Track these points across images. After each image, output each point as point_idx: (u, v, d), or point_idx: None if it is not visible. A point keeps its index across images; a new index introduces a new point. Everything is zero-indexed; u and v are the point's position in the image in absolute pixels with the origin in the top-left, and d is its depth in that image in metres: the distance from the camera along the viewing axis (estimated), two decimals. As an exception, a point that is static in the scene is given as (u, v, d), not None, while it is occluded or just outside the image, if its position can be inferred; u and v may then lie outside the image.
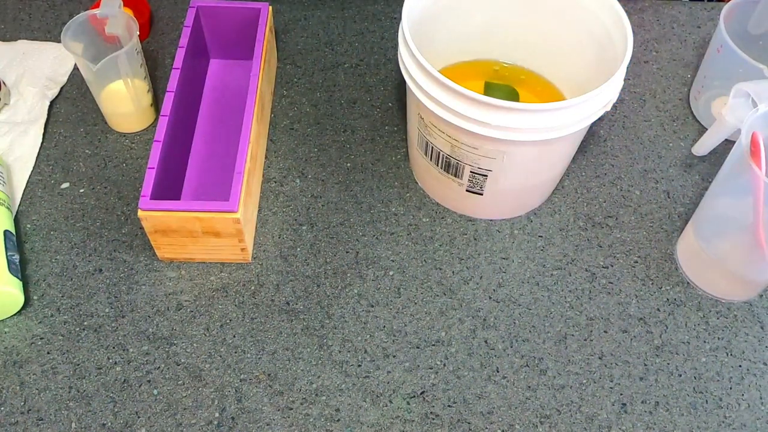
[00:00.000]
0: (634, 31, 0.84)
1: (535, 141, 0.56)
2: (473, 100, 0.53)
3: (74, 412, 0.56)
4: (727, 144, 0.62)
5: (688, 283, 0.64)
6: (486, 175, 0.61)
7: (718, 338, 0.61)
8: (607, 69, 0.60)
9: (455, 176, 0.62)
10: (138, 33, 0.67)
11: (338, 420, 0.56)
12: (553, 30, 0.68)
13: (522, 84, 0.72)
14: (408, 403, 0.57)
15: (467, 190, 0.63)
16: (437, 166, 0.63)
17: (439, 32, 0.67)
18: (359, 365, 0.59)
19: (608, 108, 0.57)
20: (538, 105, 0.53)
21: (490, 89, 0.71)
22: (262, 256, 0.65)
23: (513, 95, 0.71)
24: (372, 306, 0.62)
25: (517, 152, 0.58)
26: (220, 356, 0.59)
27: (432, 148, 0.62)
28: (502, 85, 0.71)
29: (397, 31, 0.84)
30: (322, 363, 0.59)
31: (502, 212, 0.67)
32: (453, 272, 0.64)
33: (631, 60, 0.81)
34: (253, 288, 0.63)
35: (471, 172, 0.61)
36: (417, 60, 0.56)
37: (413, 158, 0.68)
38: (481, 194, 0.63)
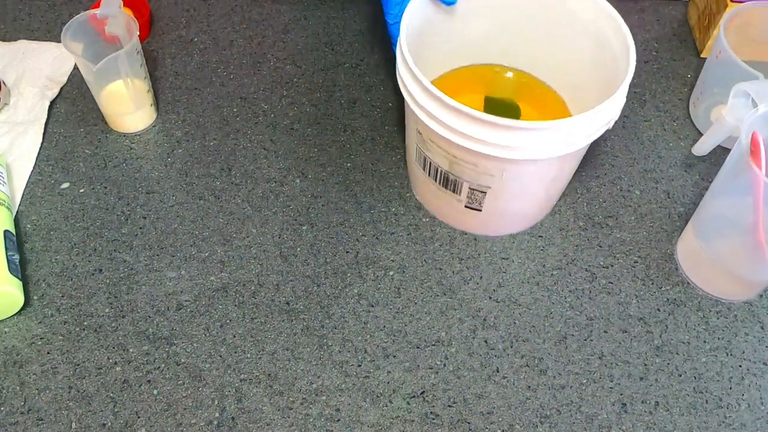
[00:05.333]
0: (634, 31, 0.84)
1: (535, 159, 0.55)
2: (473, 117, 0.52)
3: (74, 412, 0.56)
4: (727, 144, 0.63)
5: (688, 283, 0.64)
6: (485, 192, 0.60)
7: (718, 338, 0.61)
8: (608, 77, 0.59)
9: (454, 192, 0.61)
10: (138, 33, 0.67)
11: (338, 420, 0.56)
12: (555, 38, 0.67)
13: (523, 91, 0.71)
14: (408, 403, 0.57)
15: (466, 206, 0.62)
16: (435, 181, 0.62)
17: (439, 39, 0.67)
18: (359, 365, 0.59)
19: (610, 126, 0.57)
20: (537, 123, 0.52)
21: (490, 104, 0.70)
22: (261, 256, 0.65)
23: (514, 110, 0.70)
24: (372, 306, 0.62)
25: (517, 170, 0.57)
26: (220, 356, 0.59)
27: (430, 163, 0.61)
28: (503, 100, 0.71)
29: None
30: (322, 363, 0.59)
31: (501, 228, 0.66)
32: (453, 272, 0.64)
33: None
34: (253, 288, 0.63)
35: (470, 188, 0.60)
36: (415, 76, 0.55)
37: (411, 172, 0.67)
38: (480, 210, 0.62)
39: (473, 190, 0.60)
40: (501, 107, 0.70)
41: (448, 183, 0.61)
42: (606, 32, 0.61)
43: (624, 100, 0.57)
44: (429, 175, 0.62)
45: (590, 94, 0.63)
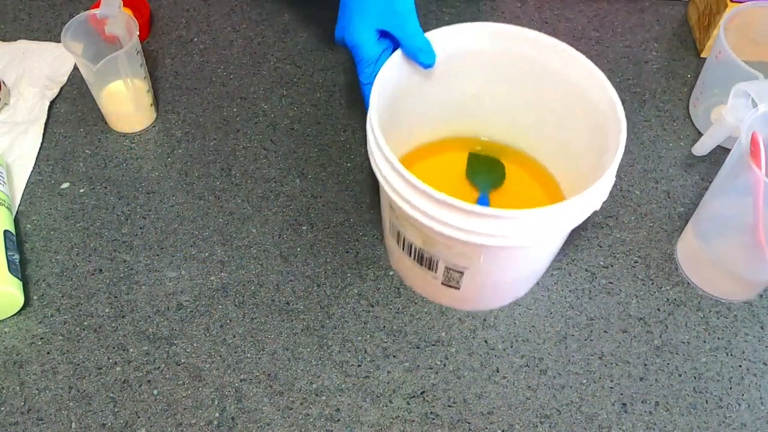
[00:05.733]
0: (634, 31, 0.84)
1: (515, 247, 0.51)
2: (447, 204, 0.48)
3: (74, 412, 0.56)
4: (727, 144, 0.63)
5: (688, 283, 0.64)
6: (462, 272, 0.55)
7: (718, 338, 0.61)
8: (598, 143, 0.56)
9: (429, 269, 0.57)
10: (138, 33, 0.67)
11: (338, 420, 0.56)
12: (539, 103, 0.63)
13: (507, 155, 0.67)
14: (408, 403, 0.57)
15: (443, 284, 0.58)
16: (410, 257, 0.58)
17: (416, 101, 0.63)
18: (359, 365, 0.59)
19: (597, 208, 0.52)
20: (519, 212, 0.47)
21: (474, 160, 0.67)
22: (261, 256, 0.65)
23: (498, 168, 0.67)
24: (372, 306, 0.62)
25: (497, 254, 0.53)
26: (220, 356, 0.59)
27: (404, 238, 0.56)
28: (488, 158, 0.67)
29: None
30: (322, 363, 0.59)
31: (482, 305, 0.62)
32: (453, 272, 0.64)
33: (631, 60, 0.81)
34: (253, 288, 0.63)
35: (446, 267, 0.55)
36: (387, 158, 0.50)
37: (387, 244, 0.63)
38: (458, 289, 0.58)
39: (449, 269, 0.55)
40: (485, 164, 0.67)
41: (423, 260, 0.56)
42: (603, 111, 0.56)
43: (613, 181, 0.52)
44: (403, 250, 0.58)
45: (577, 163, 0.60)
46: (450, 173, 0.66)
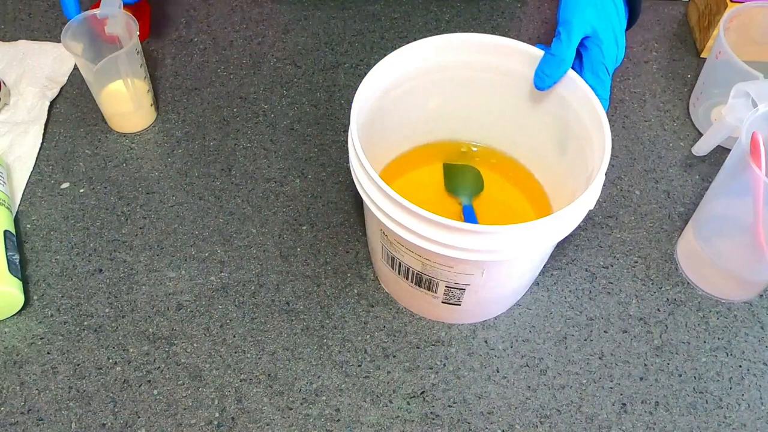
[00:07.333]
0: (634, 31, 0.84)
1: (517, 258, 0.51)
2: (448, 227, 0.47)
3: (74, 412, 0.56)
4: (727, 144, 0.62)
5: (688, 283, 0.64)
6: (464, 289, 0.55)
7: (718, 338, 0.61)
8: (582, 156, 0.56)
9: (429, 290, 0.56)
10: (138, 33, 0.67)
11: (338, 420, 0.56)
12: (525, 117, 0.62)
13: (492, 166, 0.67)
14: (408, 403, 0.57)
15: (443, 302, 0.58)
16: (407, 280, 0.57)
17: (395, 119, 0.62)
18: (359, 365, 0.59)
19: (592, 206, 0.52)
20: (512, 227, 0.47)
21: (450, 171, 0.66)
22: (261, 256, 0.65)
23: (475, 176, 0.66)
24: (372, 306, 0.62)
25: (498, 267, 0.53)
26: (220, 356, 0.59)
27: (400, 263, 0.55)
28: (463, 166, 0.66)
29: (397, 32, 0.84)
30: (322, 363, 0.59)
31: (481, 316, 0.62)
32: (453, 272, 0.64)
33: (631, 60, 0.81)
34: (253, 288, 0.63)
35: (447, 287, 0.55)
36: (378, 185, 0.49)
37: (378, 269, 0.62)
38: (459, 305, 0.58)
39: (450, 288, 0.55)
40: (462, 174, 0.66)
41: (422, 282, 0.56)
42: (587, 124, 0.56)
43: (599, 191, 0.52)
44: (399, 274, 0.57)
45: (564, 175, 0.60)
46: (428, 186, 0.65)
